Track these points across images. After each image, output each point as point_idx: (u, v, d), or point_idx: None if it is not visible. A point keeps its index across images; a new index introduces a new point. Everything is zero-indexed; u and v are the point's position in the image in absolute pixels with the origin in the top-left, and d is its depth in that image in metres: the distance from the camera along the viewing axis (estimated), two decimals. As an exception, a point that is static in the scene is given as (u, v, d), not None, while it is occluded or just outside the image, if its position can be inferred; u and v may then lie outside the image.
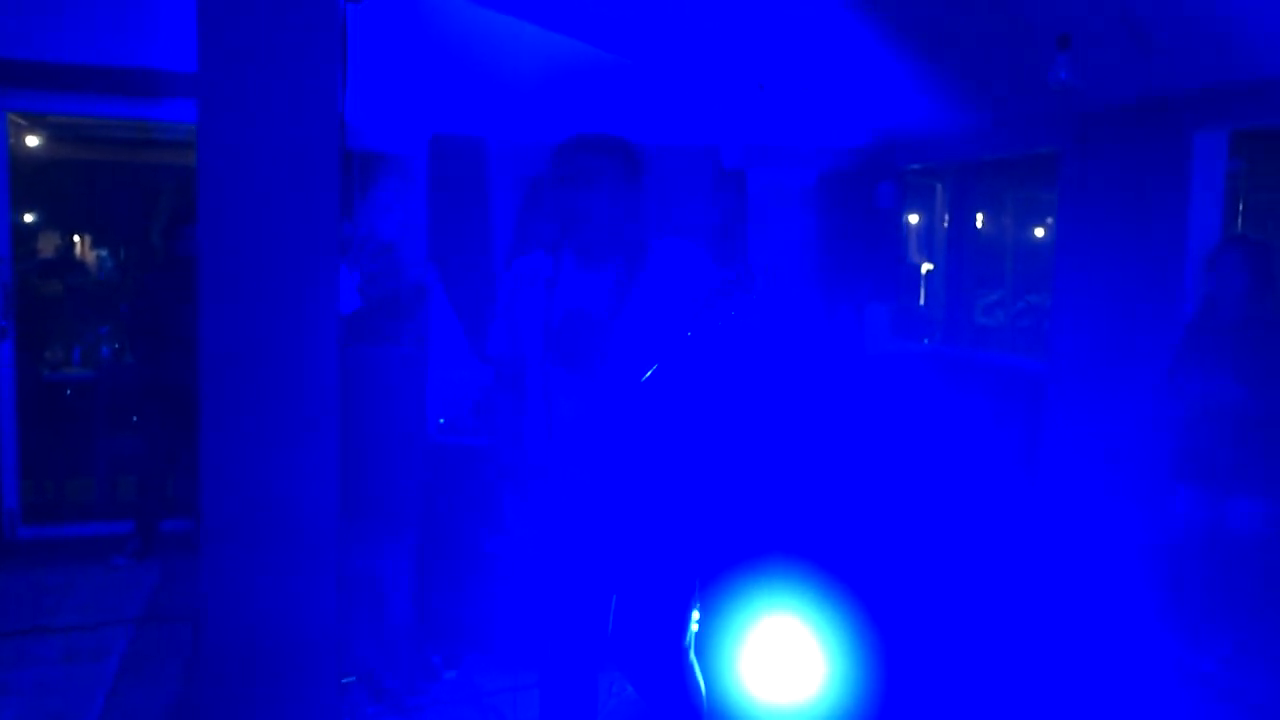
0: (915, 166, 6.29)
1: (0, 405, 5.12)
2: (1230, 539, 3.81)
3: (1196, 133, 4.14)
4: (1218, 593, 3.86)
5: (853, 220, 6.15)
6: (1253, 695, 3.71)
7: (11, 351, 5.15)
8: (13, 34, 4.73)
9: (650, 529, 2.57)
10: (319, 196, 1.79)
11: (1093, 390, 4.58)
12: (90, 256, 7.15)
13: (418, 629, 3.98)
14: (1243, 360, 3.79)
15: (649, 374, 2.40)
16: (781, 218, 6.02)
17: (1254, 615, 3.78)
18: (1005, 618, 4.23)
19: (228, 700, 1.85)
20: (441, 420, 4.40)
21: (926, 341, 6.67)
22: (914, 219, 7.20)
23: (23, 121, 6.18)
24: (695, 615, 3.41)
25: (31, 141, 6.42)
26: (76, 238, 7.11)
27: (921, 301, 7.20)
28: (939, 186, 6.94)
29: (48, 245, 6.91)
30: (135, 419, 5.40)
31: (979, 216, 6.97)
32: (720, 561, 3.44)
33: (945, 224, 6.82)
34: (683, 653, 2.66)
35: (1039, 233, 7.09)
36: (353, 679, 3.69)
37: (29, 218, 6.79)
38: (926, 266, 7.31)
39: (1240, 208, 4.68)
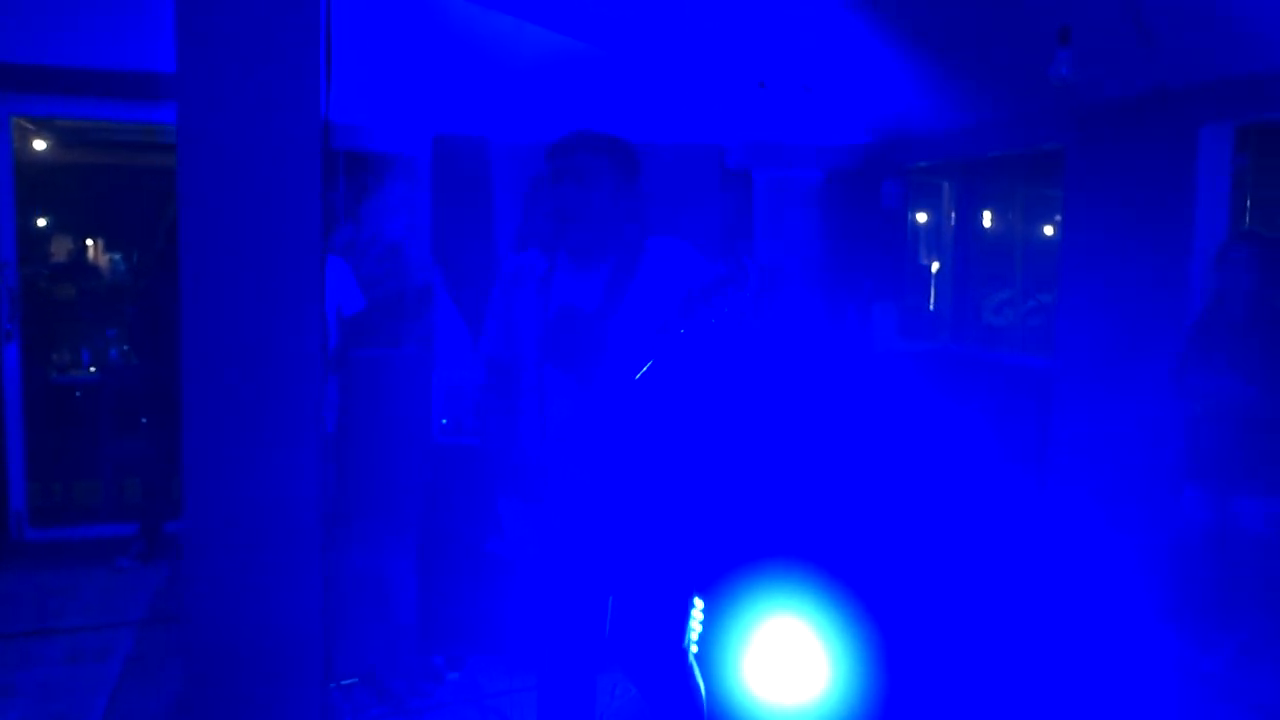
0: (921, 164, 6.25)
1: (7, 408, 5.15)
2: (1237, 538, 3.78)
3: (1202, 127, 4.10)
4: (1225, 592, 3.82)
5: (858, 219, 6.13)
6: (1258, 695, 3.68)
7: (17, 354, 5.17)
8: (15, 38, 4.75)
9: (645, 529, 2.55)
10: (301, 197, 1.78)
11: (1099, 389, 4.54)
12: (103, 260, 7.17)
13: (421, 630, 3.97)
14: (1251, 358, 3.76)
15: (642, 372, 2.38)
16: (786, 217, 6.00)
17: (1261, 615, 3.74)
18: (1011, 617, 4.20)
19: (213, 701, 1.84)
20: (444, 421, 4.39)
21: (934, 341, 6.63)
22: (922, 218, 7.16)
23: (30, 126, 6.21)
24: (699, 615, 3.40)
25: (40, 146, 6.44)
26: (89, 242, 7.13)
27: (930, 301, 7.16)
28: (946, 185, 6.90)
29: (60, 249, 6.94)
30: (140, 421, 5.42)
31: (987, 215, 6.92)
32: (724, 563, 3.42)
33: (952, 222, 6.78)
34: (682, 653, 2.65)
35: (1049, 231, 7.04)
36: (355, 680, 3.69)
37: (41, 222, 6.82)
38: (935, 266, 7.28)
39: (1248, 203, 4.64)
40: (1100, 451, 4.51)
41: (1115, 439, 4.42)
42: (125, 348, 6.27)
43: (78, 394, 6.02)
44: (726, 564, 3.47)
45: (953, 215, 6.75)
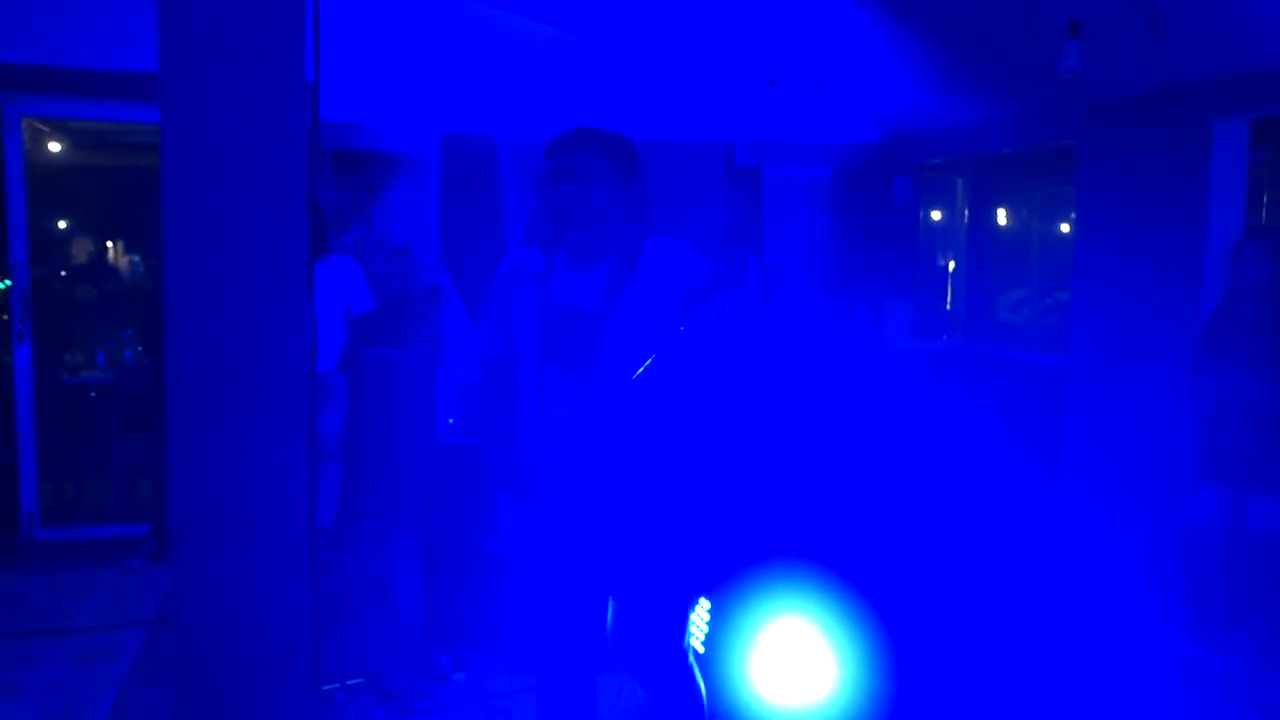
0: (936, 161, 6.21)
1: (18, 408, 5.18)
2: (1252, 537, 3.72)
3: (1216, 121, 4.05)
4: (1238, 591, 3.77)
5: (868, 217, 6.09)
6: (1271, 696, 3.62)
7: (30, 355, 5.20)
8: (25, 39, 4.77)
9: (644, 528, 2.53)
10: (287, 194, 1.76)
11: (1112, 387, 4.49)
12: (122, 261, 7.21)
13: (426, 630, 3.96)
14: (1266, 356, 3.70)
15: (642, 369, 2.36)
16: (796, 215, 5.97)
17: (1275, 615, 3.69)
18: (1022, 616, 4.15)
19: (203, 707, 1.83)
20: (451, 421, 4.39)
21: (946, 339, 6.58)
22: (936, 215, 7.11)
23: (46, 128, 6.24)
24: (705, 615, 3.38)
25: (56, 148, 6.48)
26: (109, 244, 7.18)
27: (946, 299, 7.10)
28: (960, 182, 6.85)
29: (81, 251, 6.98)
30: (152, 422, 5.43)
31: (1001, 212, 6.86)
32: (731, 563, 3.40)
33: (965, 220, 6.73)
34: (682, 654, 2.63)
35: (1066, 228, 6.98)
36: (360, 680, 3.68)
37: (57, 224, 6.87)
38: (951, 265, 7.22)
39: (1264, 199, 4.57)
40: (1113, 450, 4.46)
41: (1129, 437, 4.38)
42: (140, 349, 6.30)
43: (93, 394, 6.05)
44: (733, 564, 3.44)
45: (966, 213, 6.70)
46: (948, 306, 6.94)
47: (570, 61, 5.40)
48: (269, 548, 1.81)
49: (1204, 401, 3.88)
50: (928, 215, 6.78)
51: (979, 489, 5.06)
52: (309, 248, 1.78)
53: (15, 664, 3.89)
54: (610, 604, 2.66)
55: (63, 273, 6.61)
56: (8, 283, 5.25)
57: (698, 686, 2.67)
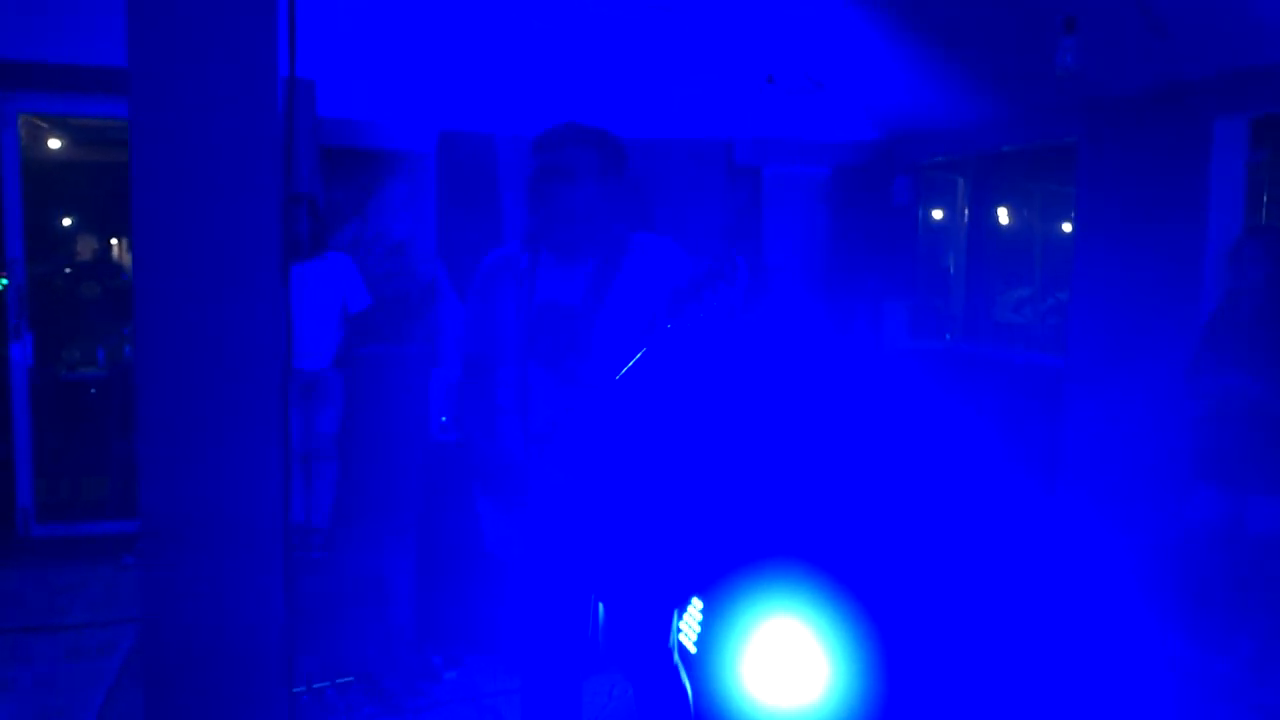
0: (935, 159, 6.18)
1: (15, 404, 5.18)
2: (1250, 538, 3.69)
3: (1216, 120, 4.02)
4: (1236, 592, 3.74)
5: (867, 216, 6.06)
6: (1268, 697, 3.59)
7: (27, 351, 5.20)
8: (22, 35, 4.77)
9: (628, 528, 2.51)
10: (260, 192, 1.74)
11: (1111, 386, 4.46)
12: (127, 259, 7.22)
13: (418, 629, 3.95)
14: (1264, 356, 3.67)
15: (627, 367, 2.34)
16: (796, 213, 5.94)
17: (1273, 616, 3.66)
18: (1019, 617, 4.13)
19: (170, 706, 1.81)
20: (444, 419, 4.37)
21: (948, 338, 6.55)
22: (936, 215, 7.08)
23: (45, 125, 6.24)
24: (697, 615, 3.36)
25: (56, 144, 6.48)
26: (115, 240, 7.19)
27: (945, 298, 7.08)
28: (960, 181, 6.82)
29: (85, 249, 6.99)
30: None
31: (1002, 211, 6.83)
32: (722, 563, 3.38)
33: (965, 219, 6.70)
34: (668, 653, 2.61)
35: (1068, 228, 6.94)
36: (351, 679, 3.67)
37: (57, 220, 6.87)
38: (951, 264, 7.19)
39: (1264, 198, 4.53)
40: (1113, 450, 4.44)
41: (1128, 437, 4.35)
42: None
43: (91, 391, 6.05)
44: (726, 565, 3.43)
45: (966, 212, 6.67)
46: (941, 300, 6.92)
47: (569, 58, 5.37)
48: (241, 548, 1.79)
49: (1201, 401, 3.85)
50: (928, 214, 6.75)
51: (977, 489, 5.04)
52: (284, 244, 1.76)
53: (9, 660, 3.89)
54: (598, 604, 2.65)
55: (67, 270, 6.61)
56: (4, 281, 5.25)
57: (683, 687, 2.66)
